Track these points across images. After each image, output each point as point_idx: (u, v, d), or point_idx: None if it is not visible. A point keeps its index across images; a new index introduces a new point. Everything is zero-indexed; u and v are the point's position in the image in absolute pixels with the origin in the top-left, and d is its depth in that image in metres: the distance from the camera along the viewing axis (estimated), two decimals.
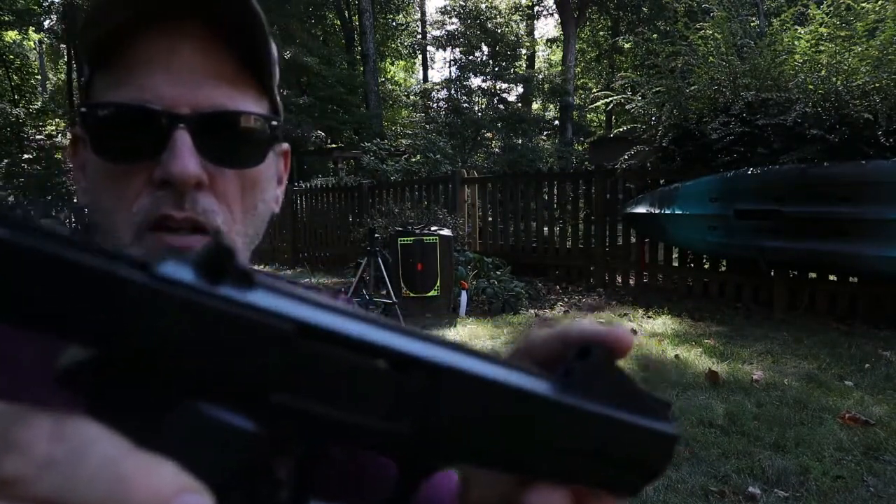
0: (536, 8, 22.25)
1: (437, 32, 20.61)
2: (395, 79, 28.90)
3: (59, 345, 0.22)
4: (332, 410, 0.24)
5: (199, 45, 0.51)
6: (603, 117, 21.54)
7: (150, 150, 0.50)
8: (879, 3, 5.83)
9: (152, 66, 0.50)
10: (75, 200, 20.18)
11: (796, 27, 6.21)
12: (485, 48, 18.42)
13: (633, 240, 6.92)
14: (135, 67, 0.50)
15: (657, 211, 5.95)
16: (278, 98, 0.58)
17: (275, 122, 0.55)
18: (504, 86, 19.14)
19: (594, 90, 19.42)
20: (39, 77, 27.99)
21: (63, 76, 25.67)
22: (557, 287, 7.17)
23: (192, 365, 0.22)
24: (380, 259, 5.36)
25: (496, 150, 17.14)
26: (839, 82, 5.34)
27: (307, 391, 0.23)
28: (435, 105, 18.58)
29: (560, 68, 19.23)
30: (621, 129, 7.59)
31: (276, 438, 0.23)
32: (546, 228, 7.93)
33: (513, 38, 19.03)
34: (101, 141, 0.51)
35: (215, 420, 0.22)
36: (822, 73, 5.51)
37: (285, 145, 0.63)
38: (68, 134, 0.56)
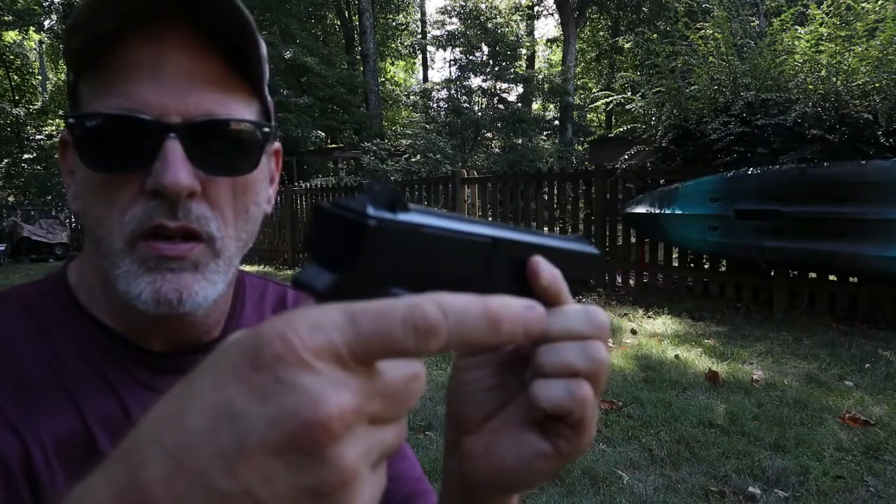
0: (536, 8, 22.25)
1: (437, 32, 20.61)
2: (395, 79, 28.89)
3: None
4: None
5: (186, 49, 0.50)
6: (603, 117, 21.53)
7: (140, 160, 0.49)
8: (879, 3, 5.83)
9: (139, 72, 0.49)
10: None
11: (796, 27, 6.21)
12: (485, 48, 18.42)
13: (633, 240, 6.92)
14: (121, 74, 0.49)
15: (657, 211, 5.95)
16: (269, 98, 0.57)
17: (266, 129, 0.55)
18: (504, 86, 19.15)
19: (594, 90, 19.43)
20: (39, 77, 27.99)
21: (63, 76, 25.66)
22: None
23: (412, 277, 0.29)
24: None
25: (496, 150, 17.15)
26: (839, 82, 5.34)
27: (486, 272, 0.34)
28: (435, 105, 18.58)
29: (560, 68, 19.23)
30: (621, 129, 7.59)
31: None
32: (546, 228, 7.93)
33: (513, 38, 19.03)
34: (89, 151, 0.50)
35: None
36: (822, 73, 5.51)
37: (276, 144, 0.62)
38: (59, 137, 0.56)
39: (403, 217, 0.29)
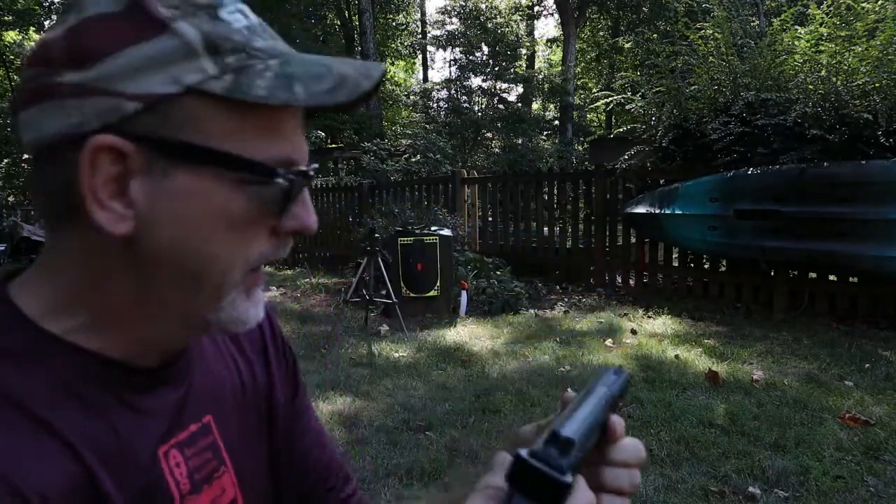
0: (536, 8, 22.23)
1: (437, 32, 20.58)
2: (395, 79, 28.89)
3: None
4: None
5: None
6: (603, 117, 21.52)
7: (286, 204, 0.50)
8: (879, 3, 5.83)
9: (295, 122, 0.50)
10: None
11: (796, 27, 6.20)
12: (485, 48, 18.38)
13: (633, 240, 6.92)
14: (284, 122, 0.49)
15: (657, 211, 5.95)
16: None
17: None
18: (504, 86, 19.12)
19: (594, 90, 19.41)
20: None
21: None
22: (557, 287, 7.17)
23: None
24: (380, 259, 5.36)
25: (496, 150, 17.14)
26: (839, 82, 5.34)
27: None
28: (435, 105, 18.56)
29: (560, 68, 19.21)
30: (621, 129, 7.59)
31: None
32: (546, 228, 7.93)
33: (513, 38, 19.01)
34: (243, 188, 0.47)
35: None
36: (822, 73, 5.51)
37: None
38: (98, 145, 0.44)
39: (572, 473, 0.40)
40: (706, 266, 6.47)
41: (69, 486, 0.44)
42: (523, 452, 0.39)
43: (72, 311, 0.49)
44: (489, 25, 18.27)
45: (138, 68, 0.43)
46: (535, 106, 21.59)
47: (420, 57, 27.24)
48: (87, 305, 0.49)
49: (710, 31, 6.46)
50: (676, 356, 4.41)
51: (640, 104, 6.92)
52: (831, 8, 5.95)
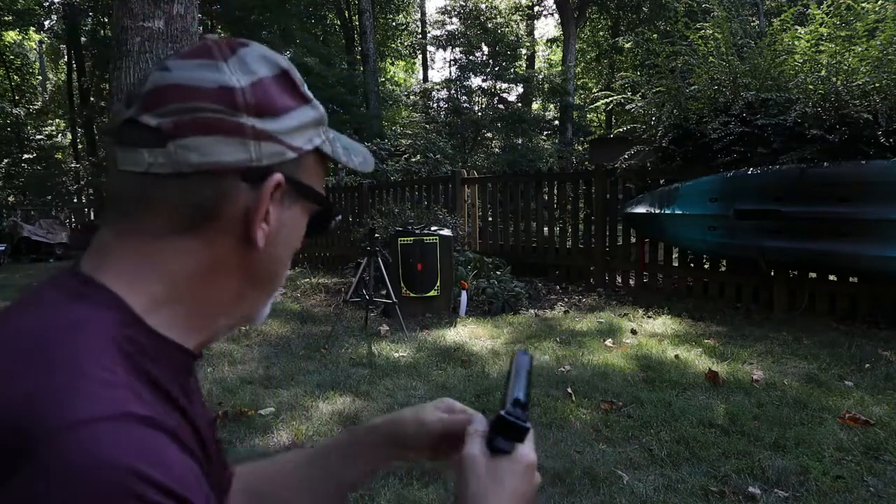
0: (536, 8, 22.23)
1: (437, 32, 20.56)
2: (395, 79, 28.88)
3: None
4: None
5: None
6: (603, 117, 21.53)
7: (328, 225, 0.69)
8: (879, 3, 5.83)
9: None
10: (75, 200, 20.19)
11: (796, 27, 6.20)
12: (485, 48, 18.37)
13: (633, 240, 6.92)
14: (323, 169, 0.66)
15: (657, 211, 5.95)
16: None
17: None
18: (504, 86, 19.12)
19: (594, 90, 19.42)
20: (39, 77, 27.98)
21: (63, 76, 25.64)
22: (557, 287, 7.17)
23: None
24: (380, 259, 5.36)
25: (496, 150, 17.15)
26: (839, 82, 5.34)
27: None
28: (435, 105, 18.56)
29: (560, 68, 19.21)
30: (621, 129, 7.59)
31: None
32: (546, 228, 7.93)
33: (513, 38, 18.99)
34: (318, 214, 0.65)
35: None
36: (822, 73, 5.51)
37: None
38: (277, 181, 0.58)
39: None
40: (706, 266, 6.47)
41: (189, 436, 0.54)
42: (502, 412, 0.65)
43: (171, 305, 0.57)
44: (489, 25, 18.26)
45: (298, 128, 0.59)
46: (535, 106, 21.59)
47: (420, 57, 27.26)
48: (189, 300, 0.58)
49: (710, 31, 6.45)
50: (676, 356, 4.40)
51: (640, 104, 6.91)
52: (831, 8, 5.95)
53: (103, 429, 0.43)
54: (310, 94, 0.62)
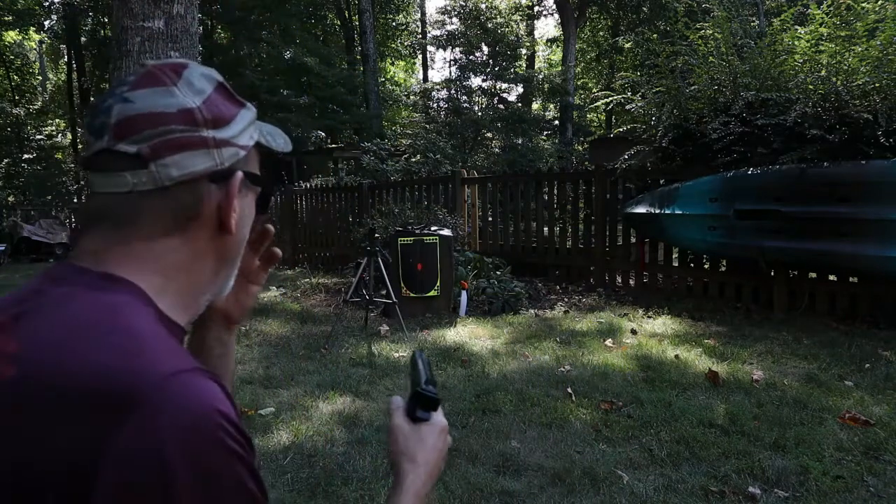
0: (536, 8, 22.22)
1: (437, 32, 20.54)
2: (395, 79, 28.88)
3: None
4: None
5: None
6: (603, 117, 21.53)
7: (267, 206, 0.80)
8: (879, 3, 5.82)
9: None
10: (74, 200, 20.18)
11: (796, 27, 6.20)
12: (485, 48, 18.36)
13: (633, 240, 6.92)
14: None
15: (657, 211, 5.95)
16: None
17: None
18: (504, 86, 19.11)
19: (594, 90, 19.43)
20: (39, 77, 27.98)
21: (63, 76, 25.65)
22: (557, 287, 7.17)
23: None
24: (380, 259, 5.36)
25: (496, 150, 17.14)
26: (839, 82, 5.34)
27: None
28: (435, 105, 18.54)
29: (560, 68, 19.21)
30: (621, 129, 7.59)
31: None
32: (546, 228, 7.93)
33: (513, 38, 18.97)
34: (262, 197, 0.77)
35: None
36: (822, 73, 5.50)
37: None
38: (240, 178, 0.70)
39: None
40: (706, 266, 6.46)
41: None
42: (418, 389, 0.83)
43: (169, 293, 0.66)
44: (489, 25, 18.24)
45: (242, 130, 0.70)
46: (535, 106, 21.59)
47: (420, 57, 27.27)
48: (180, 286, 0.68)
49: (710, 31, 6.45)
50: (676, 356, 4.40)
51: (640, 104, 6.91)
52: (831, 8, 5.94)
53: (187, 377, 0.56)
54: (239, 97, 0.72)
